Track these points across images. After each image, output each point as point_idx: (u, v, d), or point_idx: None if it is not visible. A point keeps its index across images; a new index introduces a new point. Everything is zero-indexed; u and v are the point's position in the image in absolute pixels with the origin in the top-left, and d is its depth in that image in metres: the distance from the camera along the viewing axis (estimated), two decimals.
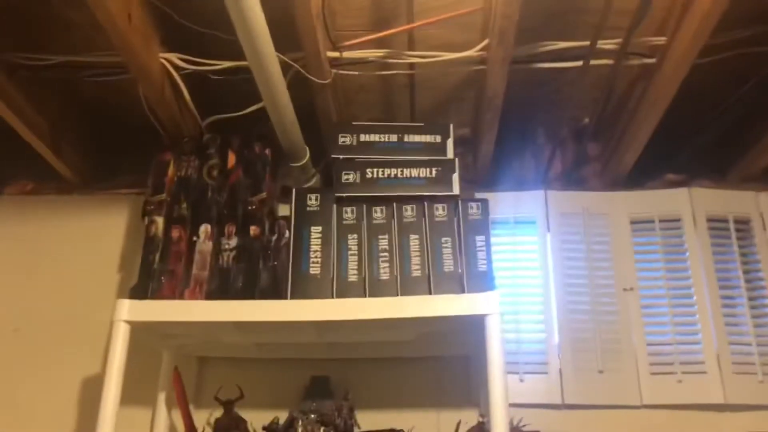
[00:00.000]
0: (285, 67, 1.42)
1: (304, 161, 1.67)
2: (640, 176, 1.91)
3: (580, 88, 1.65)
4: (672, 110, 1.60)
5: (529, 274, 1.78)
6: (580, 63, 1.53)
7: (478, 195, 1.78)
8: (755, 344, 1.67)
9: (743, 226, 1.81)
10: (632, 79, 1.68)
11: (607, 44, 1.50)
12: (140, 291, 1.43)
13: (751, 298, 1.73)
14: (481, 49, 1.47)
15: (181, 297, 1.44)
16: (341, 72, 1.57)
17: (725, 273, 1.76)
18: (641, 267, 1.77)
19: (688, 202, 1.81)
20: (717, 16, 1.28)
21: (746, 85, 1.63)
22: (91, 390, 1.71)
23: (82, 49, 1.58)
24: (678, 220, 1.80)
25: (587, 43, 1.48)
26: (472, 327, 1.39)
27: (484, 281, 1.41)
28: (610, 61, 1.54)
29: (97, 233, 1.88)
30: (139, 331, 1.42)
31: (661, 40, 1.48)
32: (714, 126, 1.79)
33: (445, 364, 1.70)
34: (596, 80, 1.68)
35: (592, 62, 1.53)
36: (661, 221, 1.81)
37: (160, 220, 1.51)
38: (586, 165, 1.96)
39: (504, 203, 1.84)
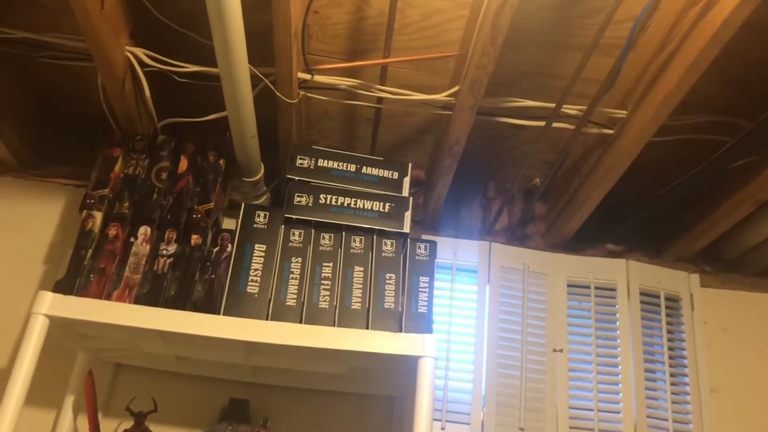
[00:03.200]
0: (253, 80, 1.40)
1: (258, 177, 1.64)
2: (580, 242, 1.95)
3: (536, 148, 1.68)
4: (618, 183, 1.65)
5: (464, 322, 1.78)
6: (542, 123, 1.56)
7: (424, 237, 1.79)
8: (671, 420, 1.71)
9: (673, 303, 1.87)
10: (588, 147, 1.73)
11: (570, 109, 1.54)
12: (66, 286, 1.36)
13: (672, 374, 1.78)
14: (450, 95, 1.49)
15: (108, 298, 1.37)
16: (308, 95, 1.56)
17: (651, 347, 1.81)
18: (573, 330, 1.80)
19: (625, 273, 1.86)
20: (679, 97, 1.33)
21: (692, 170, 1.70)
22: None
23: (44, 29, 1.53)
24: (613, 289, 1.85)
25: (552, 105, 1.52)
26: (404, 368, 1.38)
27: (422, 323, 1.40)
28: (570, 126, 1.59)
29: (27, 220, 1.78)
30: (57, 327, 1.35)
31: (622, 113, 1.53)
32: (656, 203, 1.86)
33: (370, 402, 1.67)
34: (553, 143, 1.73)
35: (554, 125, 1.56)
36: (596, 288, 1.85)
37: (98, 216, 1.44)
38: (531, 223, 2.00)
39: (447, 248, 1.85)
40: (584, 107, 1.52)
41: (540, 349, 1.76)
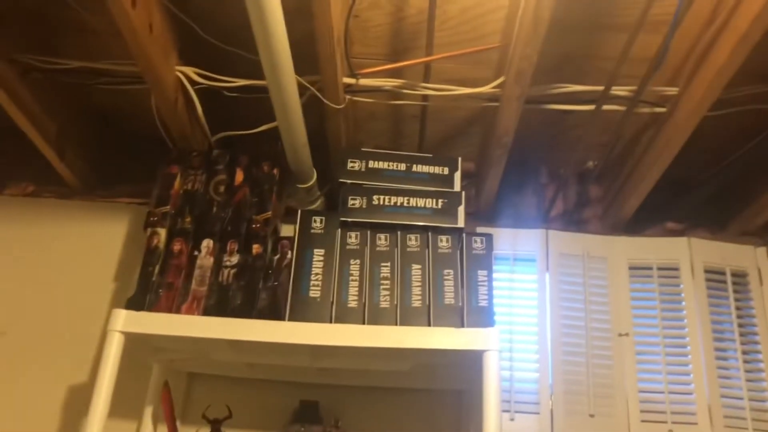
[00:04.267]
0: (300, 89, 1.42)
1: (311, 183, 1.67)
2: (640, 222, 1.92)
3: (587, 132, 1.66)
4: (675, 160, 1.61)
5: (526, 312, 1.77)
6: (592, 107, 1.54)
7: (479, 229, 1.79)
8: (747, 399, 1.67)
9: (740, 279, 1.82)
10: (640, 127, 1.70)
11: (619, 90, 1.52)
12: (137, 302, 1.42)
13: (744, 352, 1.73)
14: (496, 86, 1.49)
15: (177, 311, 1.42)
16: (354, 98, 1.58)
17: (720, 325, 1.77)
18: (637, 313, 1.77)
19: (687, 252, 1.82)
20: (732, 70, 1.30)
21: (752, 141, 1.66)
22: (77, 399, 1.68)
23: (98, 56, 1.59)
24: (676, 269, 1.81)
25: (601, 87, 1.50)
26: (469, 362, 1.38)
27: (483, 316, 1.41)
28: (620, 108, 1.56)
29: (95, 241, 1.86)
30: (132, 342, 1.40)
31: (673, 90, 1.50)
32: (716, 179, 1.82)
33: (438, 397, 1.69)
34: (604, 125, 1.70)
35: (603, 107, 1.54)
36: (659, 268, 1.82)
37: (162, 232, 1.50)
38: (588, 207, 1.98)
39: (504, 239, 1.85)
40: (633, 87, 1.49)
41: (605, 334, 1.74)
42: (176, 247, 1.48)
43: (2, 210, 1.92)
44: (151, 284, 1.44)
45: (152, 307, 1.42)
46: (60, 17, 1.51)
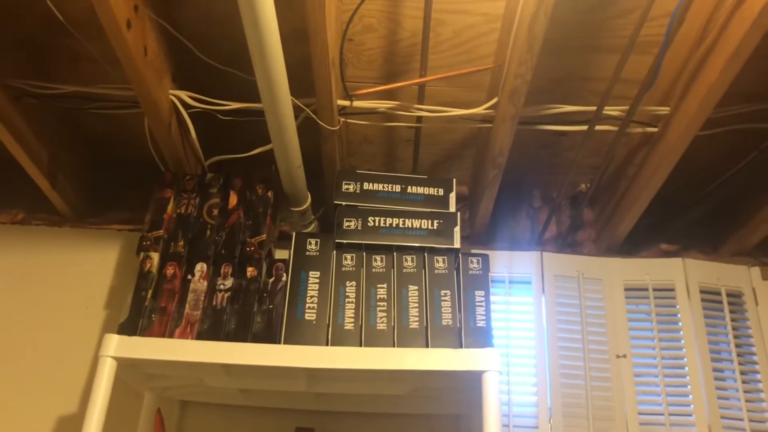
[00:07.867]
0: (295, 111, 1.42)
1: (305, 206, 1.66)
2: (633, 244, 1.92)
3: (580, 153, 1.67)
4: (668, 181, 1.62)
5: (523, 334, 1.76)
6: (584, 128, 1.56)
7: (475, 251, 1.78)
8: (747, 419, 1.66)
9: (735, 299, 1.82)
10: (632, 148, 1.71)
11: (612, 111, 1.53)
12: (130, 327, 1.39)
13: (742, 372, 1.72)
14: (489, 107, 1.50)
15: (171, 336, 1.39)
16: (348, 121, 1.58)
17: (717, 345, 1.76)
18: (634, 334, 1.76)
19: (682, 272, 1.82)
20: (723, 88, 1.31)
21: (743, 161, 1.67)
22: (67, 430, 1.64)
23: (91, 81, 1.59)
24: (671, 290, 1.80)
25: (593, 108, 1.51)
26: (467, 384, 1.36)
27: (482, 337, 1.39)
28: (612, 128, 1.57)
29: (86, 268, 1.84)
30: (124, 369, 1.37)
31: (665, 109, 1.51)
32: (709, 199, 1.82)
33: (435, 422, 1.66)
34: (596, 147, 1.72)
35: (596, 128, 1.55)
36: (654, 289, 1.81)
37: (155, 257, 1.48)
38: (581, 230, 1.98)
39: (499, 261, 1.84)
40: (625, 108, 1.51)
41: (602, 356, 1.73)
42: (169, 271, 1.46)
43: None
44: (143, 309, 1.42)
45: (145, 332, 1.39)
46: (55, 42, 1.51)
